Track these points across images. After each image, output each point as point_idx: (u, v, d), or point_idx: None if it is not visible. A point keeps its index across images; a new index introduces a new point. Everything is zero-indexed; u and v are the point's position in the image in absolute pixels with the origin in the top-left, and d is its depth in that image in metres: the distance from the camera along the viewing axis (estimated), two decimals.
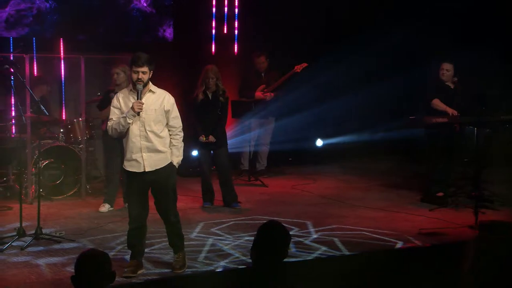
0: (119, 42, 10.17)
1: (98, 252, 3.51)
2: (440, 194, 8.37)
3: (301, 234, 6.97)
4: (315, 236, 6.91)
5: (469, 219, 7.27)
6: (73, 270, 3.48)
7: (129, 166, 5.71)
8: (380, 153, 11.95)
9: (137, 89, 5.60)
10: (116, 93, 7.95)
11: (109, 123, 5.68)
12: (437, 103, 8.36)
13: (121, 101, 5.70)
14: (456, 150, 8.43)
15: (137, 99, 5.59)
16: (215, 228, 7.22)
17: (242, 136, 10.19)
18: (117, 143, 8.07)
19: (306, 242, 6.67)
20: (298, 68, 9.78)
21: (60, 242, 6.55)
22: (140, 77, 5.57)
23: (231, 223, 7.45)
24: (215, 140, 8.18)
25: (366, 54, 10.94)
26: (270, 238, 3.57)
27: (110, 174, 8.18)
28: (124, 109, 5.65)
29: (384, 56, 11.00)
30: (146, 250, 6.04)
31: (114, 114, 5.67)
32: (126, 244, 5.93)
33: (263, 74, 10.13)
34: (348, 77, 11.41)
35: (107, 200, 8.11)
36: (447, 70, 8.42)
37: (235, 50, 11.35)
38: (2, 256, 6.12)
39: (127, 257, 5.97)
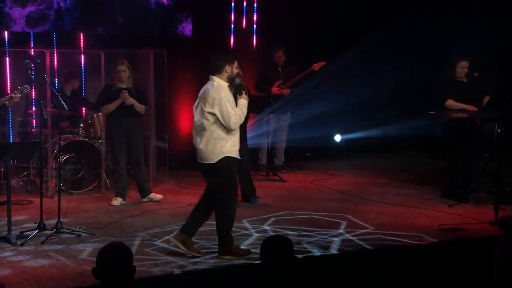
0: (139, 37, 10.21)
1: (121, 246, 3.50)
2: (461, 191, 8.29)
3: (319, 229, 6.95)
4: (333, 231, 6.89)
5: (489, 215, 7.22)
6: (93, 264, 3.49)
7: (237, 155, 6.01)
8: (399, 148, 11.89)
9: (240, 83, 6.00)
10: (117, 88, 8.01)
11: (238, 114, 5.87)
12: (452, 104, 8.29)
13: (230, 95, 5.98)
14: (476, 146, 8.36)
15: (243, 91, 6.01)
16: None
17: (260, 131, 10.18)
18: (125, 138, 8.12)
19: (325, 238, 6.66)
20: (316, 66, 9.76)
21: (80, 236, 6.60)
22: (239, 71, 6.00)
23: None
24: None
25: (387, 50, 10.88)
26: (273, 256, 3.74)
27: (120, 168, 8.22)
28: (233, 102, 5.94)
29: (405, 52, 10.93)
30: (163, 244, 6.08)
31: (234, 107, 5.90)
32: (145, 238, 5.96)
33: (280, 69, 10.12)
34: (368, 73, 11.35)
35: (119, 194, 8.18)
36: (466, 68, 8.38)
37: (254, 44, 11.33)
38: (23, 249, 6.18)
39: (148, 250, 6.02)
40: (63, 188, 8.11)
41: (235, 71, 5.96)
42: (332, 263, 5.71)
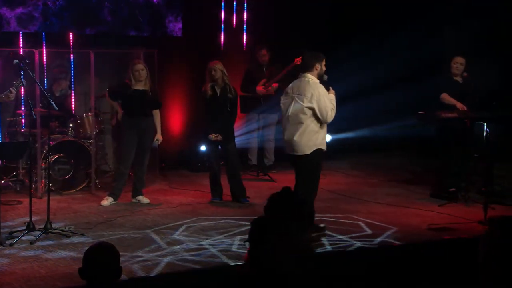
0: (129, 37, 10.18)
1: (108, 246, 3.48)
2: (452, 189, 8.33)
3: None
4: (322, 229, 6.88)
5: (479, 214, 7.25)
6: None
7: (325, 147, 6.57)
8: (390, 148, 11.90)
9: (326, 79, 6.55)
10: (132, 90, 7.96)
11: (333, 109, 6.43)
12: (446, 98, 8.35)
13: None
14: (466, 145, 8.39)
15: (327, 88, 6.51)
16: None
17: (248, 131, 10.17)
18: (137, 139, 8.07)
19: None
20: (297, 60, 9.69)
21: (69, 236, 6.57)
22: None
23: None
24: (222, 139, 8.17)
25: (378, 49, 10.89)
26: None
27: (123, 168, 8.17)
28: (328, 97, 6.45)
29: (396, 51, 10.95)
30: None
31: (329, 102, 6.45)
32: (135, 238, 5.94)
33: (264, 68, 10.07)
34: (358, 72, 11.35)
35: (113, 194, 8.12)
36: (460, 64, 8.42)
37: (244, 43, 11.29)
38: (12, 250, 6.15)
39: (140, 253, 6.01)
40: (53, 188, 8.07)
41: (324, 68, 6.52)
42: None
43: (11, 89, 6.69)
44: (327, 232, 6.73)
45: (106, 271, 3.33)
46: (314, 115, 6.38)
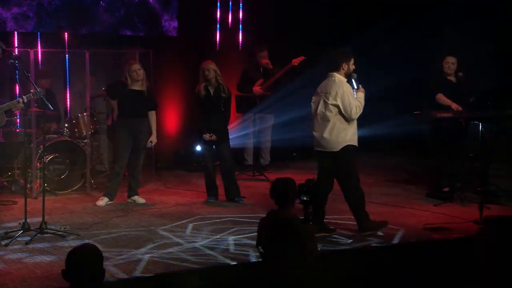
0: (125, 37, 10.16)
1: (91, 248, 3.46)
2: (446, 189, 8.33)
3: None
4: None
5: (474, 214, 7.24)
6: None
7: (356, 142, 6.68)
8: (386, 148, 11.90)
9: (355, 78, 6.67)
10: (128, 88, 7.95)
11: (358, 105, 6.54)
12: (442, 98, 8.36)
13: None
14: (462, 145, 8.40)
15: (356, 86, 6.66)
16: None
17: (245, 131, 10.16)
18: (132, 139, 8.05)
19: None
20: (295, 61, 9.68)
21: (65, 236, 6.56)
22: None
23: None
24: (216, 138, 8.16)
25: (377, 49, 10.90)
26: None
27: (118, 168, 8.14)
28: (353, 95, 6.61)
29: (396, 51, 10.96)
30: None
31: (354, 99, 6.57)
32: (131, 238, 5.93)
33: (261, 69, 10.06)
34: (357, 72, 11.34)
35: (108, 194, 8.10)
36: (452, 64, 8.43)
37: (240, 42, 11.27)
38: (7, 250, 6.12)
39: (135, 253, 6.00)
40: (48, 188, 8.04)
41: (352, 67, 6.64)
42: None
43: (24, 96, 6.72)
44: (337, 236, 6.68)
45: (89, 272, 3.31)
46: (340, 112, 6.53)
